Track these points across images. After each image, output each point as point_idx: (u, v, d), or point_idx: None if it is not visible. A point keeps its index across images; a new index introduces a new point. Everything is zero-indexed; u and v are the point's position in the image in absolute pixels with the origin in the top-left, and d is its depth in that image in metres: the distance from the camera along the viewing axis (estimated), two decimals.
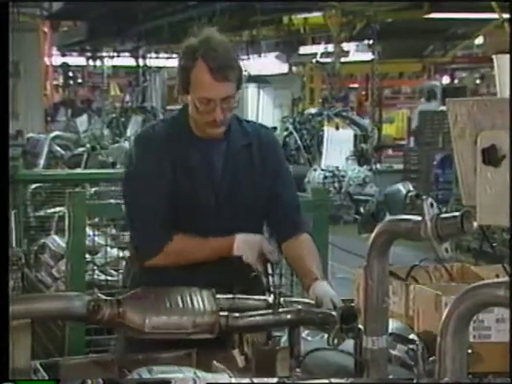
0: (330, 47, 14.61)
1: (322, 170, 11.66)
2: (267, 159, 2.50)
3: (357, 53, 15.80)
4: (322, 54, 15.86)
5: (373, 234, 1.71)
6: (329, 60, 14.56)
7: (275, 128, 14.37)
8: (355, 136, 12.29)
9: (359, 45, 15.02)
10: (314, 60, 16.48)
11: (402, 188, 9.25)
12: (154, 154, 2.40)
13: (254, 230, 2.45)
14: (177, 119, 2.50)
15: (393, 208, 9.06)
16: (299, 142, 12.94)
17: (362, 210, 10.72)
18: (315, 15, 15.09)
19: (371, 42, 13.64)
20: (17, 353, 1.86)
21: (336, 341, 1.87)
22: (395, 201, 9.15)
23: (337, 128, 12.27)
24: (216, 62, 2.29)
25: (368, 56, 14.47)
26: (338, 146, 12.00)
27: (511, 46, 5.84)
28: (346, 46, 15.27)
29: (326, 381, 1.78)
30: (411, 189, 9.16)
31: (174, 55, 22.98)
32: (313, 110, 13.85)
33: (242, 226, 2.41)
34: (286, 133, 13.42)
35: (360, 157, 12.08)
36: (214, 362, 1.98)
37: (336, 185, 11.29)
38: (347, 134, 12.24)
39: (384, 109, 16.38)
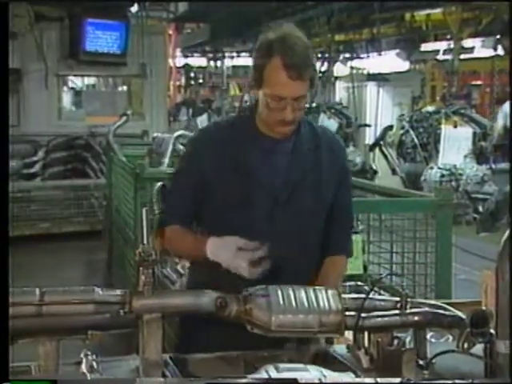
0: (463, 43, 14.24)
1: (439, 168, 11.43)
2: (335, 165, 2.42)
3: (482, 49, 15.33)
4: (445, 51, 15.51)
5: (506, 234, 1.67)
6: (451, 57, 14.22)
7: (391, 126, 14.19)
8: (474, 134, 11.97)
9: (485, 40, 14.57)
10: (436, 57, 16.16)
11: None
12: (197, 149, 2.40)
13: (312, 235, 2.39)
14: (244, 116, 2.46)
15: None
16: (416, 140, 12.74)
17: (480, 208, 10.44)
18: (438, 11, 14.78)
19: (498, 37, 13.22)
20: (148, 346, 1.92)
21: (466, 345, 1.83)
22: None
23: (455, 126, 11.99)
24: (292, 59, 2.23)
25: (493, 52, 14.03)
26: (455, 144, 11.74)
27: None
28: (470, 41, 14.85)
29: (450, 382, 1.75)
30: None
31: None
32: (430, 108, 13.59)
33: (300, 230, 2.34)
34: (402, 131, 13.24)
35: (479, 155, 11.76)
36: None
37: (453, 183, 11.05)
38: (465, 132, 11.94)
39: None
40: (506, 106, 13.40)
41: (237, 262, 2.21)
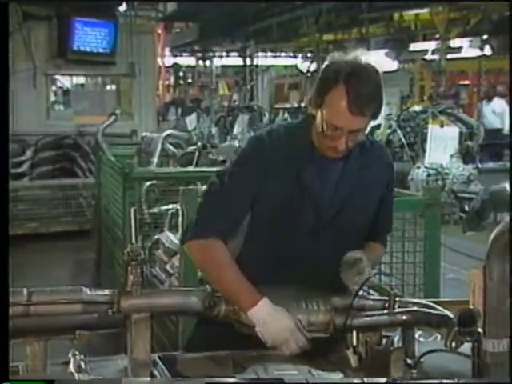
0: (450, 43, 14.28)
1: (426, 167, 11.49)
2: (382, 180, 2.38)
3: (470, 49, 15.37)
4: (434, 50, 15.56)
5: (493, 234, 1.67)
6: (438, 57, 14.28)
7: (379, 126, 14.23)
8: (460, 133, 12.04)
9: (473, 40, 14.61)
10: (424, 57, 16.20)
11: (508, 186, 9.00)
12: (261, 157, 2.25)
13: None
14: (299, 129, 2.33)
15: (498, 206, 8.86)
16: (403, 139, 12.79)
17: (466, 208, 10.49)
18: (426, 11, 14.82)
19: (485, 37, 13.26)
20: (136, 345, 1.91)
21: (454, 344, 1.83)
22: (501, 199, 8.92)
23: (441, 125, 12.05)
24: (356, 93, 2.12)
25: (484, 52, 14.08)
26: (442, 144, 11.79)
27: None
28: (458, 41, 14.90)
29: (437, 381, 1.76)
30: None
31: (283, 54, 23.11)
32: (417, 108, 13.64)
33: (343, 251, 2.23)
34: (389, 130, 13.27)
35: (465, 154, 11.83)
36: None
37: (440, 182, 11.12)
38: (452, 132, 11.99)
39: None
40: (495, 102, 13.48)
41: (289, 343, 2.03)
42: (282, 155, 2.25)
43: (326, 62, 2.21)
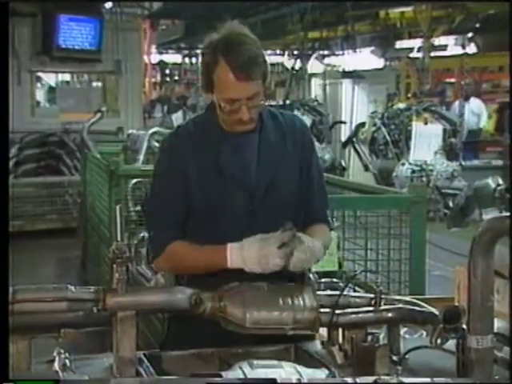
0: (433, 41, 14.32)
1: (410, 164, 11.57)
2: (301, 150, 2.38)
3: (456, 46, 15.42)
4: (420, 48, 15.61)
5: (478, 231, 1.68)
6: (421, 55, 14.31)
7: (364, 123, 14.26)
8: (444, 130, 12.13)
9: (458, 38, 14.66)
10: (410, 55, 16.23)
11: (491, 182, 9.07)
12: (176, 155, 2.31)
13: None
14: (206, 117, 2.38)
15: (482, 202, 8.93)
16: (387, 136, 12.84)
17: (450, 204, 10.56)
18: (411, 9, 14.86)
19: (470, 35, 13.32)
20: (122, 343, 1.91)
21: (439, 340, 1.84)
22: (484, 195, 9.00)
23: (425, 123, 12.14)
24: (238, 60, 2.17)
25: (468, 50, 14.11)
26: (426, 141, 11.89)
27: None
28: (444, 39, 14.93)
29: (429, 380, 1.76)
30: (501, 183, 8.95)
31: (268, 51, 23.10)
32: (401, 105, 13.70)
33: (277, 220, 2.22)
34: (374, 128, 13.32)
35: (449, 151, 11.92)
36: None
37: (424, 179, 11.20)
38: (436, 129, 12.10)
39: (483, 103, 15.94)
40: (472, 102, 13.55)
41: (275, 259, 2.13)
42: (194, 146, 2.31)
43: (203, 45, 2.29)
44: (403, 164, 11.71)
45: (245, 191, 2.30)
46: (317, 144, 11.49)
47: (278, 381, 1.68)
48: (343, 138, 15.89)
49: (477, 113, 13.55)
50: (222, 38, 2.22)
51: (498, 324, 1.91)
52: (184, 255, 2.29)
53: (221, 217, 2.29)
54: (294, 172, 2.36)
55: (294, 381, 1.72)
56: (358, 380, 1.71)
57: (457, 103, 13.66)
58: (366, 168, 13.40)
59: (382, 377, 1.79)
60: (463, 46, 13.51)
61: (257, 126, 2.33)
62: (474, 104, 13.64)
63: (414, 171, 11.45)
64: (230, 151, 2.31)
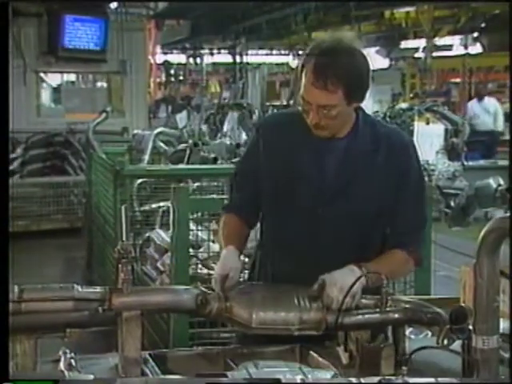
0: (435, 41, 14.31)
1: None
2: (394, 168, 2.29)
3: (461, 46, 15.39)
4: (424, 48, 15.60)
5: (483, 232, 1.68)
6: (423, 55, 14.31)
7: None
8: (446, 130, 12.14)
9: (463, 38, 14.65)
10: (414, 55, 16.24)
11: (493, 182, 9.07)
12: (262, 142, 2.37)
13: (358, 240, 2.28)
14: (299, 114, 2.35)
15: (483, 202, 8.93)
16: None
17: (452, 203, 10.56)
18: (414, 9, 14.84)
19: (475, 35, 13.30)
20: (127, 343, 1.91)
21: (446, 341, 1.84)
22: (485, 195, 8.99)
23: (427, 123, 12.14)
24: (321, 68, 2.17)
25: (474, 49, 14.10)
26: (428, 141, 11.90)
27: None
28: (449, 39, 14.91)
29: (433, 380, 1.76)
30: (501, 183, 8.94)
31: (274, 51, 23.09)
32: (403, 105, 13.70)
33: (345, 234, 2.27)
34: None
35: (450, 151, 11.92)
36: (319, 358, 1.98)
37: (426, 178, 11.22)
38: (438, 129, 12.11)
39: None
40: (487, 101, 13.51)
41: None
42: (279, 141, 2.35)
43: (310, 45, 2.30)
44: None
45: (314, 194, 2.29)
46: None
47: (283, 381, 1.68)
48: None
49: (492, 112, 13.45)
50: (326, 42, 2.24)
51: (504, 324, 1.91)
52: (224, 227, 2.40)
53: (286, 215, 2.33)
54: (380, 186, 2.29)
55: (299, 381, 1.72)
56: (362, 380, 1.70)
57: (471, 102, 13.59)
58: None
59: (387, 377, 1.79)
60: (465, 46, 13.50)
61: (347, 134, 2.30)
62: (489, 103, 13.55)
63: None
64: (309, 152, 2.31)
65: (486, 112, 13.30)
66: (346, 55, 2.20)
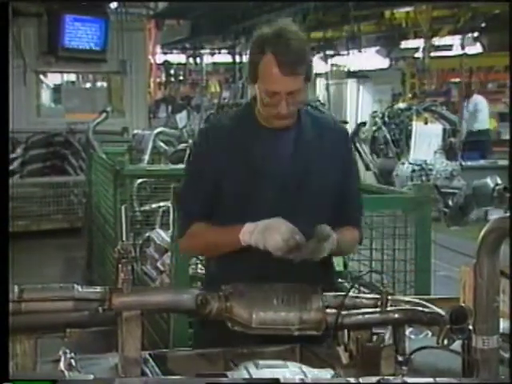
0: (434, 41, 14.32)
1: (410, 163, 11.63)
2: (338, 151, 2.42)
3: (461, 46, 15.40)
4: (424, 48, 15.60)
5: (483, 231, 1.68)
6: (421, 55, 14.31)
7: (364, 123, 14.28)
8: (444, 130, 12.16)
9: (463, 38, 14.66)
10: (414, 55, 16.23)
11: (490, 181, 9.09)
12: (212, 144, 2.38)
13: (320, 222, 2.28)
14: (244, 110, 2.47)
15: (480, 201, 8.96)
16: (388, 136, 12.88)
17: (450, 203, 10.59)
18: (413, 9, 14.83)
19: (475, 34, 13.31)
20: (127, 343, 1.91)
21: (446, 341, 1.84)
22: (483, 194, 9.02)
23: (425, 122, 12.17)
24: (285, 56, 2.24)
25: (474, 49, 14.10)
26: (426, 140, 11.94)
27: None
28: (449, 39, 14.90)
29: (432, 380, 1.76)
30: (499, 182, 8.96)
31: None
32: (402, 105, 13.73)
33: (309, 218, 2.27)
34: (375, 127, 13.35)
35: (448, 151, 11.94)
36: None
37: (424, 178, 11.24)
38: (436, 129, 12.15)
39: (489, 103, 15.92)
40: (474, 99, 13.53)
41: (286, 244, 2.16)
42: (229, 137, 2.37)
43: (253, 38, 2.35)
44: (403, 163, 11.77)
45: (276, 185, 2.34)
46: None
47: (282, 381, 1.68)
48: None
49: (479, 109, 13.51)
50: (272, 31, 2.29)
51: (504, 324, 1.91)
52: (204, 233, 2.37)
53: (250, 209, 2.33)
54: (330, 171, 2.40)
55: (297, 381, 1.72)
56: (361, 380, 1.70)
57: (470, 101, 13.61)
58: (367, 167, 13.42)
59: (386, 377, 1.79)
60: (462, 47, 13.52)
61: (294, 123, 2.38)
62: (477, 101, 13.60)
63: (414, 170, 11.52)
64: (264, 145, 2.36)
65: (475, 110, 13.35)
66: (297, 37, 2.29)
